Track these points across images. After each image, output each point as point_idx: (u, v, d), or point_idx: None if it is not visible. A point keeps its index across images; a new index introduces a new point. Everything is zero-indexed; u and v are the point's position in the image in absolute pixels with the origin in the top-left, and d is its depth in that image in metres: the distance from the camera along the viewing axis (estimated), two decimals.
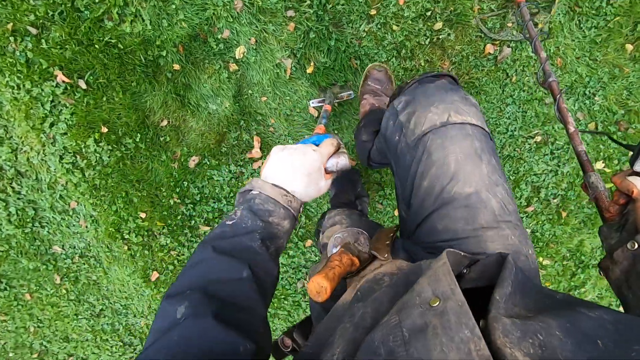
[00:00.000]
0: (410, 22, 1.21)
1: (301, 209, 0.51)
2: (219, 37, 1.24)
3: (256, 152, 1.37)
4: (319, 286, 0.45)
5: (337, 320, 0.41)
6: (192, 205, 1.44)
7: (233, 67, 1.28)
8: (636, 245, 0.43)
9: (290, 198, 0.48)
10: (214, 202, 1.44)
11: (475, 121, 0.54)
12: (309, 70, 1.26)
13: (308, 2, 1.19)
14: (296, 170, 0.49)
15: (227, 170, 1.40)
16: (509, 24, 1.21)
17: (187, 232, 1.48)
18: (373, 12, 1.20)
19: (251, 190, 0.49)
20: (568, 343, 0.24)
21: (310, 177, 0.50)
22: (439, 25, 1.22)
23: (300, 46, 1.23)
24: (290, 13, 1.21)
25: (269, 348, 0.42)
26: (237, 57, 1.26)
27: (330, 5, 1.20)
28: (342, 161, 0.54)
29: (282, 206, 0.47)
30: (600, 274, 0.49)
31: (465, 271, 0.37)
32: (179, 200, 1.43)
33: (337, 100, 1.25)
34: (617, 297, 0.47)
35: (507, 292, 0.31)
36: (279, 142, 1.37)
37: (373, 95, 1.15)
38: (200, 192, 1.43)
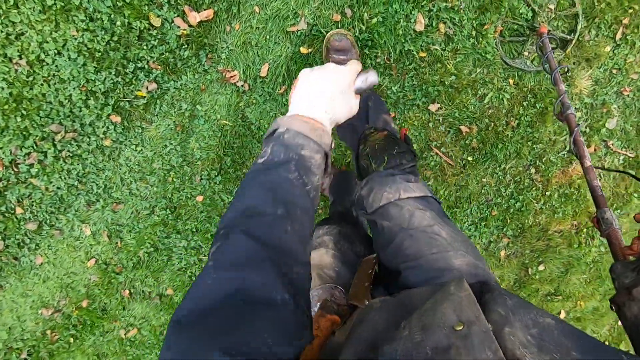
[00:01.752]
0: None
1: (332, 145, 0.47)
2: None
3: (182, 21, 1.13)
4: None
5: (333, 353, 0.41)
6: None
7: None
8: None
9: (320, 132, 0.45)
10: None
11: (419, 193, 0.66)
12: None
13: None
14: (328, 90, 0.47)
15: None
16: (525, 53, 1.17)
17: None
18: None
19: (277, 129, 0.45)
20: None
21: (343, 95, 0.48)
22: None
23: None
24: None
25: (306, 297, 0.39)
26: None
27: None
28: (371, 77, 0.51)
29: (312, 140, 0.44)
30: (611, 309, 0.49)
31: None
32: None
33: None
34: (629, 335, 0.45)
35: (508, 305, 0.34)
36: (218, 36, 1.20)
37: None
38: None
